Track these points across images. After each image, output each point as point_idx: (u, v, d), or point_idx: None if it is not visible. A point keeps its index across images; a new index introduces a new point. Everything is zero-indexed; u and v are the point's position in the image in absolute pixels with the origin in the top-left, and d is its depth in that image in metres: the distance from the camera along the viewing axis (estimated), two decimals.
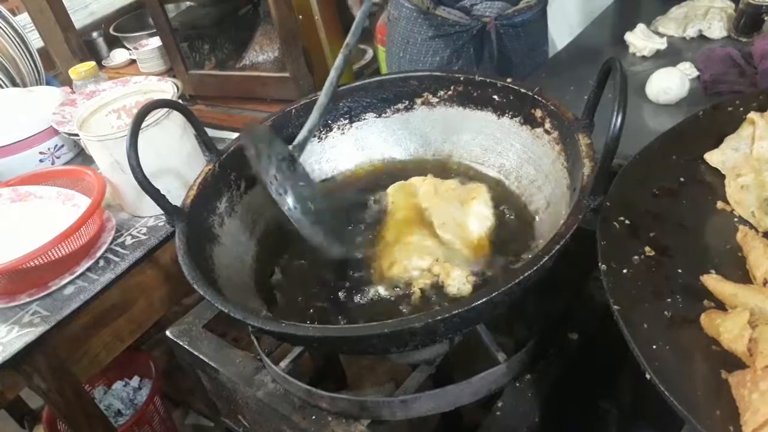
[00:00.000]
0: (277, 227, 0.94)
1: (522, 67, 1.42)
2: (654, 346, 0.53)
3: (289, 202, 0.77)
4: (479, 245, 0.82)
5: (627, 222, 0.67)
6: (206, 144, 0.89)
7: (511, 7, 1.32)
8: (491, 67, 1.39)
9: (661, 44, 1.33)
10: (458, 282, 0.76)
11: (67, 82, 1.68)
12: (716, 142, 0.76)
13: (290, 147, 0.85)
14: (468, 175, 0.96)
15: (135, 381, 1.79)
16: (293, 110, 0.97)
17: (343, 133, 1.03)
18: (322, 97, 0.88)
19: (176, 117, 1.08)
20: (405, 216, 0.87)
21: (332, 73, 0.88)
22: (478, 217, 0.84)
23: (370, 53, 2.18)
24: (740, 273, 0.62)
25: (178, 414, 1.87)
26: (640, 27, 1.37)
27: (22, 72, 1.69)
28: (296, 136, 0.94)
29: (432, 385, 0.77)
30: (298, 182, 0.80)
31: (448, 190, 0.90)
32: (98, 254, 1.08)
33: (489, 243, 0.83)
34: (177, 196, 0.83)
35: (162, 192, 0.77)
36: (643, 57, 1.33)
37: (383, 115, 1.02)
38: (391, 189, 0.93)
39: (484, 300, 0.58)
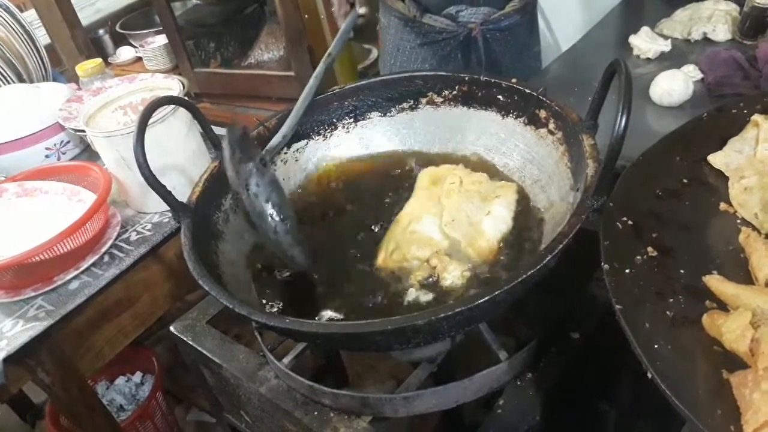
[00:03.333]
0: None
1: (512, 71, 1.41)
2: (656, 346, 0.54)
3: (266, 208, 0.76)
4: (488, 247, 0.80)
5: (630, 222, 0.68)
6: (212, 141, 0.90)
7: (497, 12, 1.32)
8: (480, 72, 1.39)
9: (665, 47, 1.33)
10: (453, 276, 0.77)
11: (74, 78, 1.69)
12: (720, 144, 0.77)
13: (262, 152, 0.84)
14: None
15: (137, 376, 1.79)
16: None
17: (348, 132, 1.03)
18: (300, 103, 0.89)
19: (182, 114, 1.09)
20: (421, 203, 0.86)
21: (312, 81, 0.89)
22: (495, 219, 0.82)
23: (374, 53, 2.19)
24: (742, 274, 0.62)
25: (180, 410, 1.88)
26: (645, 29, 1.37)
27: (29, 68, 1.69)
28: (301, 133, 0.96)
29: (433, 383, 0.78)
30: (270, 189, 0.78)
31: (474, 183, 0.87)
32: (103, 250, 1.09)
33: (499, 246, 0.80)
34: (182, 193, 0.83)
35: (167, 188, 0.78)
36: (647, 59, 1.33)
37: (388, 114, 1.02)
38: (422, 172, 0.93)
39: (487, 298, 0.59)
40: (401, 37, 1.39)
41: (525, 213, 0.86)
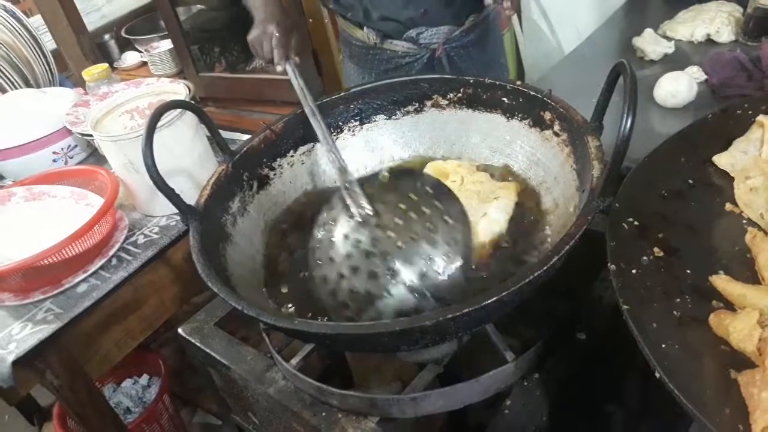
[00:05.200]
0: (287, 225, 0.96)
1: None
2: (663, 346, 0.54)
3: None
4: (479, 247, 0.82)
5: (636, 223, 0.68)
6: (220, 145, 0.90)
7: (457, 29, 1.31)
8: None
9: (669, 48, 1.33)
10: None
11: (80, 83, 1.70)
12: (725, 145, 0.77)
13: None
14: None
15: (144, 379, 1.80)
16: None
17: (354, 135, 1.04)
18: (311, 110, 0.94)
19: (189, 118, 1.09)
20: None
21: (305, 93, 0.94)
22: (490, 221, 0.83)
23: None
24: (749, 274, 0.62)
25: (187, 412, 1.88)
26: (648, 31, 1.38)
27: (35, 73, 1.71)
28: (307, 136, 0.97)
29: (439, 384, 0.78)
30: None
31: (475, 183, 0.88)
32: (111, 253, 1.09)
33: (491, 247, 0.82)
34: (189, 197, 0.83)
35: (176, 192, 0.78)
36: (651, 61, 1.33)
37: (393, 117, 1.03)
38: (428, 166, 0.94)
39: (494, 299, 0.59)
40: (364, 66, 1.39)
41: (527, 213, 0.86)
